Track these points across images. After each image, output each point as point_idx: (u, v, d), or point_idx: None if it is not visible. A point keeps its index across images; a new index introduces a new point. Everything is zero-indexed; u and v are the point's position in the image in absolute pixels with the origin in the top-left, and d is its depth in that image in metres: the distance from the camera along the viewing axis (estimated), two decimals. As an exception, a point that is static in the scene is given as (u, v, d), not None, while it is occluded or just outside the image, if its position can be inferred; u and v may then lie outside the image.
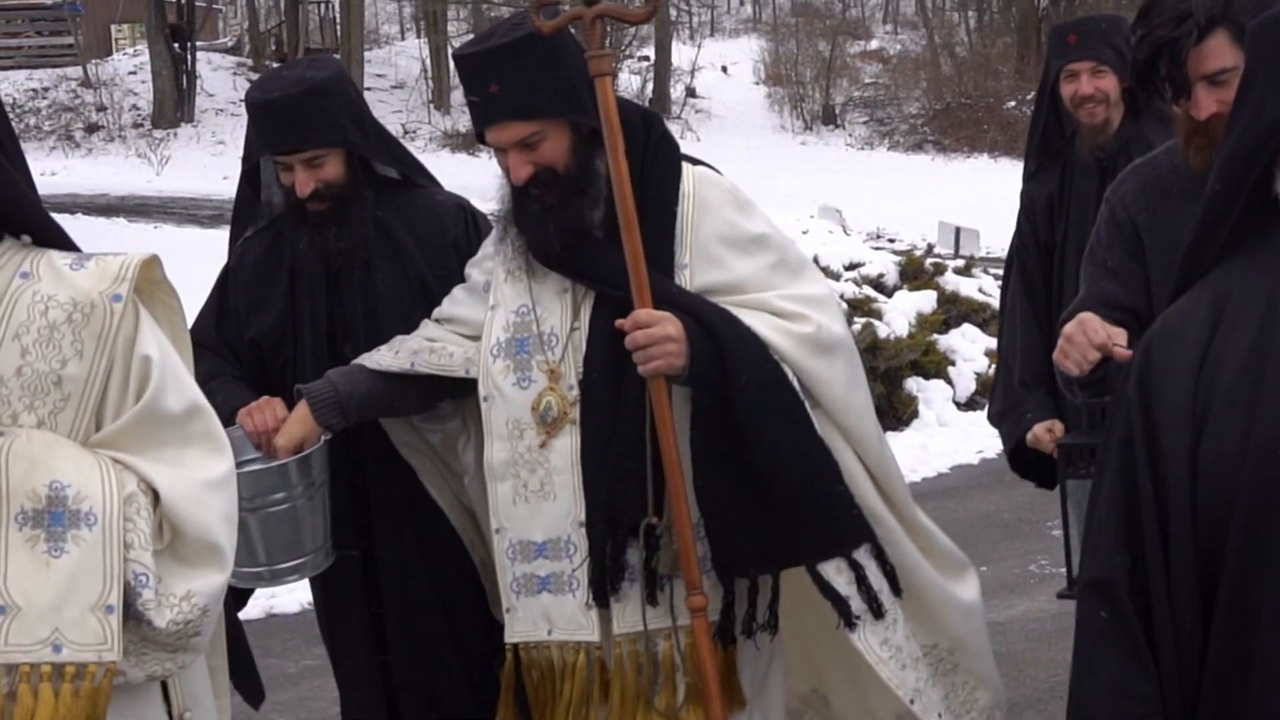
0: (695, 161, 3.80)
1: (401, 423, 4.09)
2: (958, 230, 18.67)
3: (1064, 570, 3.82)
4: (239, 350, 4.24)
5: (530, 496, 3.69)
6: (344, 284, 4.13)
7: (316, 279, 4.14)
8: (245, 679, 3.74)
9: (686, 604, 3.54)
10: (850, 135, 38.98)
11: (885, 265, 13.40)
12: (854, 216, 20.62)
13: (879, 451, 3.71)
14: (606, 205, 3.62)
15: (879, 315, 12.33)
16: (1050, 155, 5.22)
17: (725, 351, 3.49)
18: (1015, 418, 5.10)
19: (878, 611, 3.60)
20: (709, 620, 3.56)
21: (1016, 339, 5.22)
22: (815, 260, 12.66)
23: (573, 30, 3.62)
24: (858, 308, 12.26)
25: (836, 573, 3.57)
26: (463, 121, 36.36)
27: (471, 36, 31.54)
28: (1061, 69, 5.03)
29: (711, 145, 32.44)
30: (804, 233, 13.67)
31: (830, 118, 39.63)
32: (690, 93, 39.68)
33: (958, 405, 12.22)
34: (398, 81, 39.51)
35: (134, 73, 37.23)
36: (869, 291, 12.69)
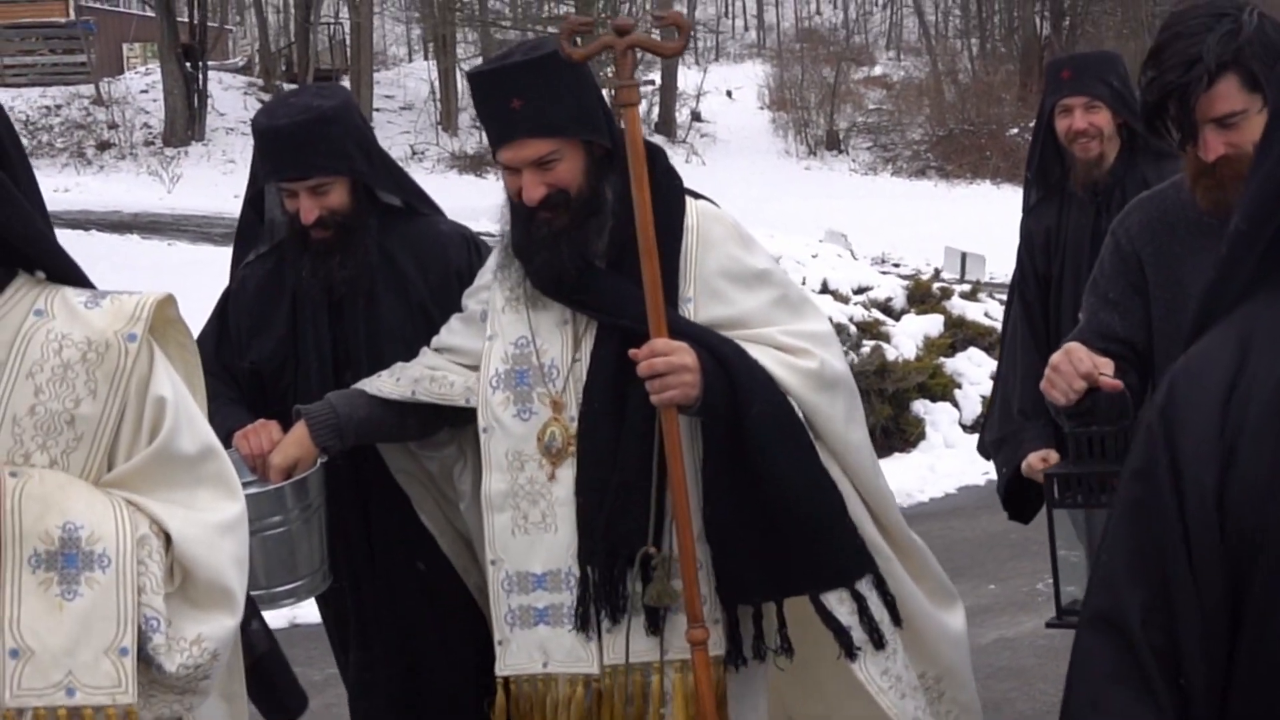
0: (696, 195, 3.80)
1: (398, 448, 4.08)
2: (964, 255, 18.88)
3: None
4: (238, 374, 4.23)
5: (530, 528, 3.66)
6: (347, 312, 4.12)
7: (319, 306, 4.12)
8: (280, 695, 3.61)
9: (687, 636, 3.52)
10: (854, 160, 39.30)
11: (893, 289, 13.59)
12: (859, 241, 20.74)
13: (876, 484, 3.72)
14: (610, 235, 3.62)
15: (887, 338, 12.50)
16: (1049, 187, 5.26)
17: (737, 383, 3.49)
18: (1012, 446, 5.07)
19: (879, 642, 3.61)
20: (709, 655, 3.54)
21: (1017, 368, 5.21)
22: (824, 284, 13.00)
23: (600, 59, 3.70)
24: (866, 330, 12.43)
25: (839, 603, 3.58)
26: (470, 143, 36.61)
27: (480, 59, 31.71)
28: (1056, 104, 5.08)
29: (716, 170, 32.72)
30: (813, 256, 13.94)
31: (834, 143, 39.94)
32: (695, 117, 39.99)
33: (964, 427, 12.34)
34: (406, 103, 39.74)
35: (145, 91, 37.42)
36: (877, 315, 12.86)
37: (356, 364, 4.07)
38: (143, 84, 38.05)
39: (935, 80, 42.33)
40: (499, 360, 3.73)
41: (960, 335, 13.16)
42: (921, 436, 12.20)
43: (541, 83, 3.53)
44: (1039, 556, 9.08)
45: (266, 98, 32.89)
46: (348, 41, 40.07)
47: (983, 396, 12.51)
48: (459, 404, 3.79)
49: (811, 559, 3.54)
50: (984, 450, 5.43)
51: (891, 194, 34.11)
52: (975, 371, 12.71)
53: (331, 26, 42.94)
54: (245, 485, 3.63)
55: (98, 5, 42.62)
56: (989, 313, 13.57)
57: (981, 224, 23.94)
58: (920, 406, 12.39)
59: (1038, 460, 4.87)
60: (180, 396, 2.65)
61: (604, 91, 3.74)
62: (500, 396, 3.71)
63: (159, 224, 24.33)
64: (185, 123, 34.94)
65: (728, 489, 3.51)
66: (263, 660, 3.29)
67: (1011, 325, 5.38)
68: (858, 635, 3.58)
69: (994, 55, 45.52)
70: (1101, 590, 2.19)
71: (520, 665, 3.70)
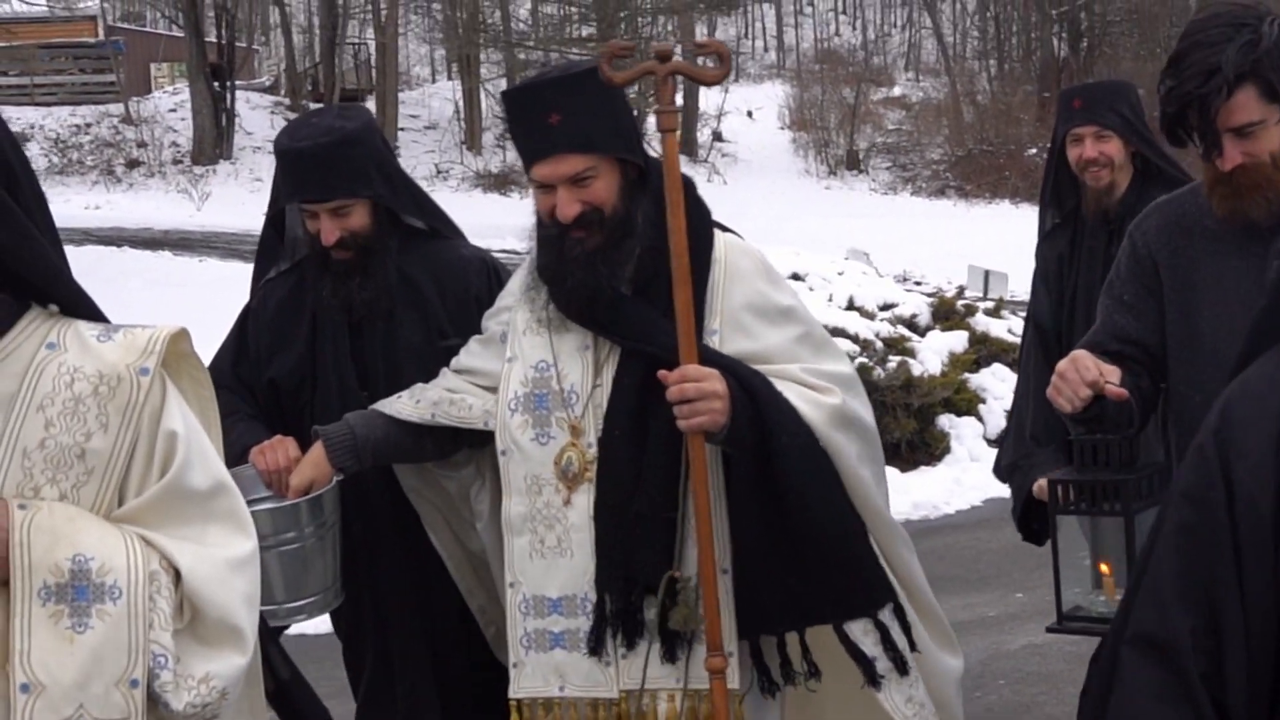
0: (723, 228, 3.77)
1: (411, 467, 4.05)
2: (987, 273, 19.08)
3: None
4: (256, 389, 4.21)
5: (546, 552, 3.64)
6: (365, 332, 4.10)
7: (339, 326, 4.10)
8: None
9: (706, 665, 3.48)
10: (874, 180, 39.57)
11: (918, 306, 13.67)
12: (880, 259, 20.85)
13: (886, 523, 3.68)
14: (638, 261, 3.58)
15: (912, 354, 12.60)
16: (1064, 214, 5.23)
17: (764, 413, 3.45)
18: (1024, 472, 5.02)
19: (903, 668, 3.59)
20: (726, 684, 3.50)
21: (1030, 394, 5.15)
22: (850, 300, 13.13)
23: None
24: (892, 346, 12.52)
25: (864, 634, 3.56)
26: (494, 162, 36.93)
27: (504, 80, 31.69)
28: (1068, 133, 5.08)
29: (737, 189, 32.94)
30: (839, 274, 13.99)
31: (854, 163, 40.21)
32: (717, 136, 40.23)
33: (988, 441, 12.37)
34: (431, 122, 40.14)
35: (174, 110, 37.91)
36: (903, 331, 12.96)
37: (374, 384, 4.06)
38: (171, 103, 38.57)
39: (954, 101, 42.55)
40: (518, 383, 3.70)
41: (984, 351, 13.25)
42: (947, 450, 12.28)
43: (580, 99, 3.52)
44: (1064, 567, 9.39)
45: (293, 117, 33.10)
46: (373, 61, 40.51)
47: (1006, 411, 12.49)
48: (478, 427, 3.77)
49: (836, 588, 3.52)
50: (1000, 474, 5.35)
51: (911, 213, 34.27)
52: (999, 386, 12.75)
53: (357, 47, 43.28)
54: (261, 501, 3.86)
55: (126, 26, 43.10)
56: (1012, 329, 13.63)
57: (1001, 243, 23.93)
58: (945, 421, 12.47)
59: (1048, 484, 5.00)
60: (192, 431, 2.62)
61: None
62: (519, 420, 3.68)
63: (190, 241, 24.57)
64: (213, 141, 35.40)
65: (754, 518, 3.48)
66: (285, 686, 3.30)
67: (1026, 350, 5.40)
68: (881, 664, 3.57)
69: (1012, 76, 45.78)
70: (1149, 612, 2.15)
71: (535, 689, 3.67)
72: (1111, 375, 3.31)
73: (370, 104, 34.59)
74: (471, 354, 3.89)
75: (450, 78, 46.45)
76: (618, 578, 3.54)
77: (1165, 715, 2.08)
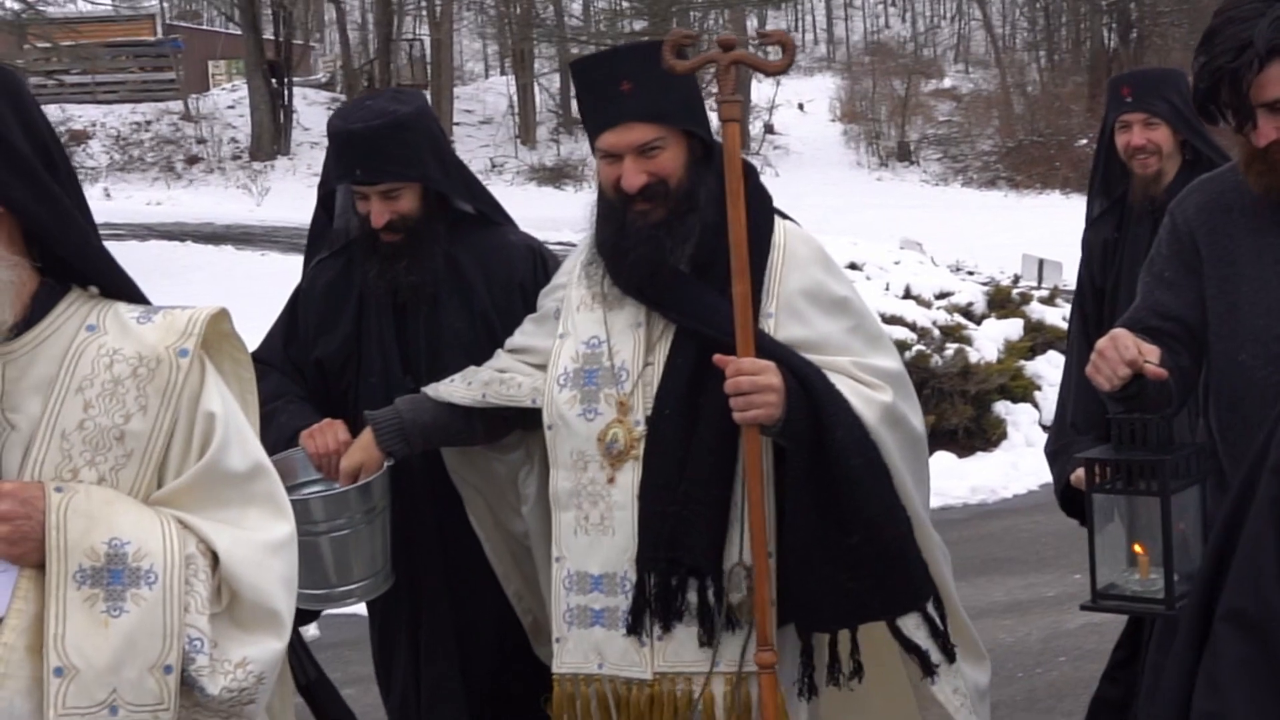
0: (784, 216, 3.75)
1: (457, 453, 4.02)
2: (1041, 262, 19.15)
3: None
4: (305, 370, 4.19)
5: (590, 529, 3.61)
6: (410, 316, 4.09)
7: (384, 308, 4.09)
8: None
9: (755, 658, 3.45)
10: (925, 171, 39.61)
11: (974, 294, 13.74)
12: (933, 249, 20.85)
13: (925, 532, 3.64)
14: (697, 240, 3.56)
15: (969, 341, 12.68)
16: (1112, 201, 5.20)
17: (819, 407, 3.42)
18: (1064, 460, 4.95)
19: (951, 654, 3.62)
20: (776, 679, 3.47)
21: (1072, 381, 5.14)
22: (907, 290, 13.23)
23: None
24: (949, 334, 12.62)
25: (915, 628, 3.56)
26: (548, 156, 37.21)
27: (556, 75, 31.45)
28: (1116, 120, 5.06)
29: (790, 181, 32.95)
30: (895, 263, 14.06)
31: (905, 154, 40.31)
32: (769, 129, 40.41)
33: (1044, 427, 12.17)
34: (485, 117, 40.41)
35: (232, 107, 38.34)
36: (959, 319, 13.03)
37: (417, 368, 4.05)
38: (229, 100, 39.02)
39: (1004, 92, 42.49)
40: (569, 359, 3.69)
41: (1040, 339, 13.30)
42: (1003, 436, 12.34)
43: (652, 69, 3.46)
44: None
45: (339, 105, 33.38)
46: (428, 57, 40.73)
47: (1062, 398, 12.69)
48: (526, 405, 3.74)
49: (889, 584, 3.49)
50: (1048, 459, 5.28)
51: (963, 204, 34.28)
52: (1054, 374, 12.52)
53: (411, 43, 43.50)
54: (310, 485, 3.91)
55: (183, 24, 43.50)
56: (1066, 317, 13.34)
57: (1052, 233, 23.74)
58: (1002, 408, 12.53)
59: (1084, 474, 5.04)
60: (231, 412, 2.59)
61: None
62: (567, 395, 3.66)
63: (251, 235, 24.83)
64: (271, 137, 35.81)
65: (807, 511, 3.45)
66: (311, 688, 3.31)
67: (1071, 338, 5.39)
68: (935, 655, 3.59)
69: (1062, 67, 45.53)
70: (1246, 590, 2.10)
71: (576, 665, 3.66)
72: (1151, 354, 3.26)
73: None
74: (525, 333, 3.89)
75: (504, 73, 46.67)
76: (660, 559, 3.51)
77: (1242, 687, 2.07)
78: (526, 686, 4.02)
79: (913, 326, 12.46)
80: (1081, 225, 5.41)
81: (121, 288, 2.62)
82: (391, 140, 3.93)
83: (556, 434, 3.66)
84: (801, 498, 3.45)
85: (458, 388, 3.82)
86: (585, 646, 3.64)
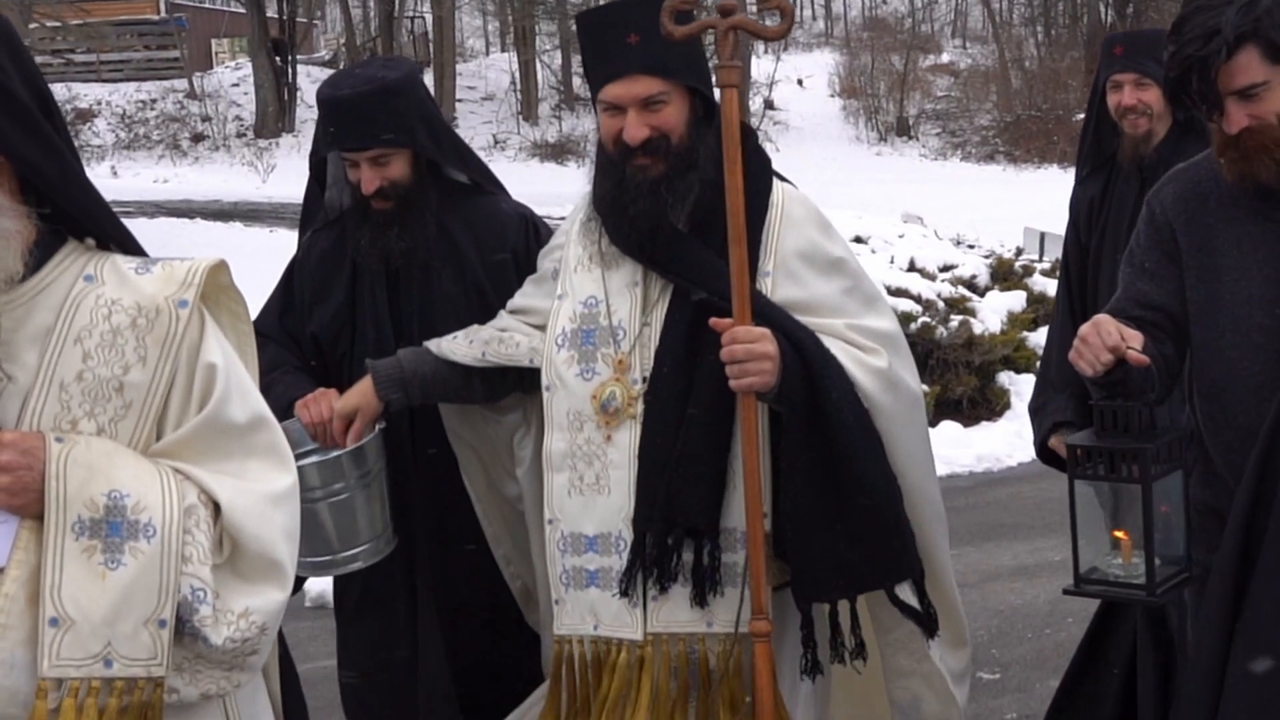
0: (781, 178, 3.74)
1: (455, 411, 4.01)
2: (1043, 235, 19.29)
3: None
4: (301, 341, 4.20)
5: (585, 489, 3.60)
6: (402, 284, 4.09)
7: (377, 277, 4.09)
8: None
9: (750, 627, 3.44)
10: (924, 146, 39.59)
11: (977, 267, 13.84)
12: (934, 223, 20.94)
13: (923, 490, 3.65)
14: (696, 197, 3.54)
15: (973, 313, 12.75)
16: (1101, 160, 5.18)
17: (813, 372, 3.42)
18: (1041, 416, 5.08)
19: (935, 627, 3.65)
20: (770, 647, 3.46)
21: (1054, 339, 5.21)
22: (911, 263, 13.37)
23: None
24: (953, 306, 12.71)
25: (912, 594, 3.57)
26: (551, 132, 37.33)
27: (558, 51, 31.41)
28: (1108, 79, 5.03)
29: (790, 156, 32.92)
30: (900, 236, 14.19)
31: (904, 129, 40.27)
32: (768, 105, 40.23)
33: None
34: (488, 94, 40.40)
35: (236, 85, 38.43)
36: (963, 291, 13.13)
37: (409, 336, 4.03)
38: (233, 78, 39.10)
39: (1002, 68, 42.43)
40: (566, 319, 3.67)
41: (1042, 311, 13.30)
42: (1007, 406, 12.42)
43: (659, 23, 3.42)
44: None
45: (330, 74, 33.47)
46: (430, 35, 40.78)
47: (1064, 367, 12.77)
48: (523, 364, 3.73)
49: (886, 552, 3.49)
50: (1030, 414, 5.32)
51: (962, 179, 34.26)
52: None
53: (414, 20, 43.57)
54: (305, 454, 3.82)
55: (188, 2, 43.58)
56: None
57: (1051, 206, 23.73)
58: (1005, 378, 12.63)
59: (1058, 442, 4.85)
60: (231, 364, 2.57)
61: None
62: (565, 355, 3.65)
63: (258, 212, 24.90)
64: (276, 115, 35.78)
65: (803, 477, 3.44)
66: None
67: (1058, 298, 5.40)
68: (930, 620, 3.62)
69: (1059, 42, 45.46)
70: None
71: (574, 626, 3.65)
72: (1134, 340, 3.25)
73: (428, 76, 34.97)
74: (525, 293, 3.88)
75: (505, 49, 46.78)
76: (657, 519, 3.49)
77: None
78: (513, 664, 4.12)
79: (917, 299, 12.56)
80: (1078, 197, 5.42)
81: (119, 239, 2.60)
82: (380, 106, 3.92)
83: (554, 395, 3.66)
84: (796, 462, 3.44)
85: (460, 345, 3.82)
86: (581, 608, 3.64)
